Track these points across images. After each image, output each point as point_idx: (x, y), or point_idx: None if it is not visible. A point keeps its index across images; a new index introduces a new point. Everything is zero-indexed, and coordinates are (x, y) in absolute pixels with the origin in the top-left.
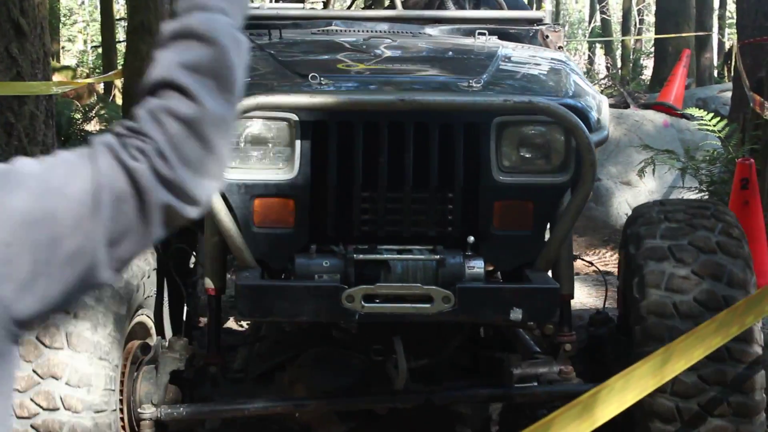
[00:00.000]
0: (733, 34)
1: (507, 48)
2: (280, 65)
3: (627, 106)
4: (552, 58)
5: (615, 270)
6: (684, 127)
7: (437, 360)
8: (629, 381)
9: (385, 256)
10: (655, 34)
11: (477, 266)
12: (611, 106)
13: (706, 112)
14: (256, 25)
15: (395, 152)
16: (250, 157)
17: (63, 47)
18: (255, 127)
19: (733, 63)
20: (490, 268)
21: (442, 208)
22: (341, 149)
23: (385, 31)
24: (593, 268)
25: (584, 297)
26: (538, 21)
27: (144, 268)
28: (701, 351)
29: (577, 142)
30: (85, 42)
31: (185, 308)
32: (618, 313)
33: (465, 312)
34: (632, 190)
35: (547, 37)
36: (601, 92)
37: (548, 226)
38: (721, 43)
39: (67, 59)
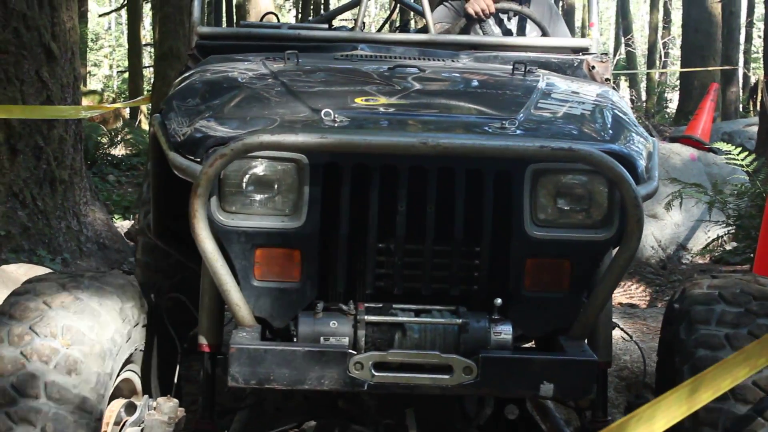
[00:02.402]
0: (758, 68)
1: (548, 81)
2: (292, 97)
3: None
4: (598, 95)
5: (640, 303)
6: (711, 161)
7: None
8: (657, 410)
9: (400, 318)
10: (681, 67)
11: (504, 332)
12: None
13: (733, 146)
14: (276, 47)
15: (416, 200)
16: (253, 201)
17: (89, 72)
18: (260, 168)
19: (759, 97)
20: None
21: (466, 265)
22: (355, 195)
23: (414, 58)
24: (630, 332)
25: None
26: (584, 50)
27: (133, 319)
28: (729, 382)
29: (622, 196)
30: (110, 67)
31: (178, 365)
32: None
33: (488, 385)
34: (658, 223)
35: (593, 67)
36: None
37: (587, 288)
38: (746, 77)
39: (93, 84)
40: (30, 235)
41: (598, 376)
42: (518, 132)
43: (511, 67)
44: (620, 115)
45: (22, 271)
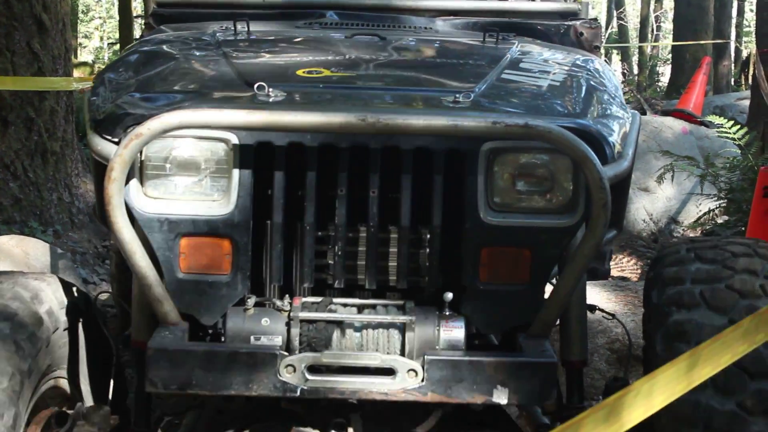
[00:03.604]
0: (750, 42)
1: (521, 50)
2: (230, 69)
3: (644, 113)
4: (574, 64)
5: (631, 276)
6: (703, 134)
7: None
8: (655, 385)
9: (339, 315)
10: (673, 41)
11: (455, 330)
12: None
13: (725, 120)
14: (239, 15)
15: (358, 182)
16: (177, 185)
17: (80, 44)
18: (184, 148)
19: (750, 71)
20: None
21: (414, 254)
22: (290, 178)
23: (384, 26)
24: (621, 305)
25: (602, 302)
26: (572, 15)
27: (56, 319)
28: (728, 357)
29: (586, 178)
30: (101, 39)
31: (113, 368)
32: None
33: (435, 390)
34: (650, 196)
35: (582, 34)
36: None
37: (548, 279)
38: (738, 51)
39: (84, 55)
40: (21, 207)
41: (573, 377)
42: (473, 106)
43: (489, 34)
44: (595, 86)
45: (13, 243)
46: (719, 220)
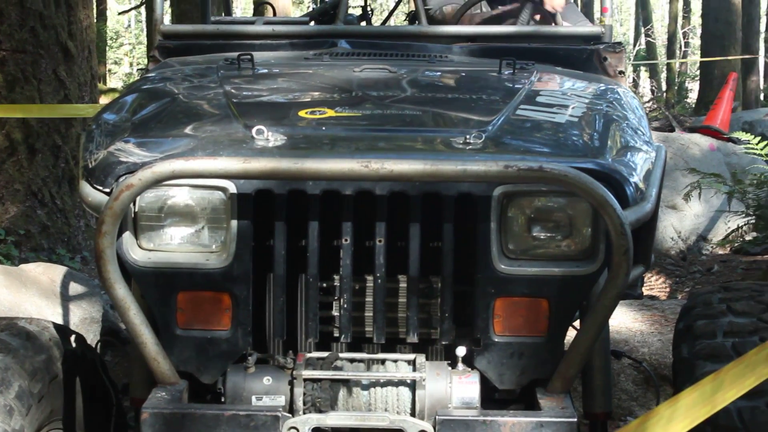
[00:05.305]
0: None
1: (538, 80)
2: (229, 110)
3: (672, 130)
4: (595, 95)
5: (660, 294)
6: (731, 150)
7: None
8: (677, 410)
9: (345, 373)
10: (701, 57)
11: (469, 386)
12: (656, 129)
13: (753, 136)
14: (247, 45)
15: (363, 230)
16: (172, 236)
17: (109, 70)
18: (179, 197)
19: None
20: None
21: (425, 305)
22: (291, 227)
23: (393, 55)
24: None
25: (630, 322)
26: (595, 39)
27: (53, 368)
28: (752, 380)
29: (606, 223)
30: (131, 65)
31: (113, 418)
32: None
33: None
34: (678, 214)
35: (605, 59)
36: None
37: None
38: (767, 66)
39: (114, 82)
40: (49, 234)
41: (596, 429)
42: (484, 148)
43: (506, 62)
44: (617, 119)
45: (40, 270)
46: (748, 237)
